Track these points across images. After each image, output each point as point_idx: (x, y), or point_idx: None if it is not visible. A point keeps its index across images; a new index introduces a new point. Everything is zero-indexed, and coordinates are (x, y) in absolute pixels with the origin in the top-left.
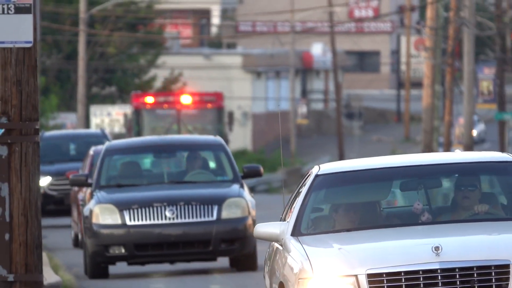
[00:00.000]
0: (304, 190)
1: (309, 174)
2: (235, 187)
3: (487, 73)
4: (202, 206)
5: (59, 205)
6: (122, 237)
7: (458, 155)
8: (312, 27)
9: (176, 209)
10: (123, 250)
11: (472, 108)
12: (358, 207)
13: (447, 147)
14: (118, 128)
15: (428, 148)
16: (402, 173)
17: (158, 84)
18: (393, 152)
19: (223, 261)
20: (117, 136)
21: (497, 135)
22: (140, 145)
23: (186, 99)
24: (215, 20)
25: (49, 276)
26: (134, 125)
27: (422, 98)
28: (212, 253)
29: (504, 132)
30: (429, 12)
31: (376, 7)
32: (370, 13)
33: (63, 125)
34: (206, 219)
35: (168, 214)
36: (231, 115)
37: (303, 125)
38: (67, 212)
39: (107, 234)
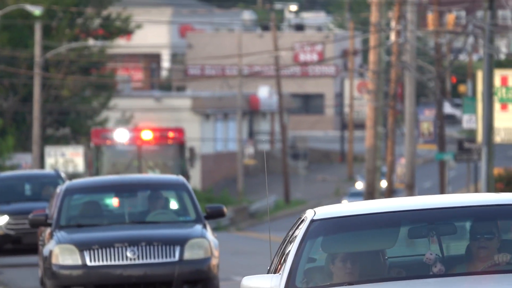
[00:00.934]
0: (298, 238)
1: (303, 219)
2: (198, 227)
3: (428, 114)
4: (164, 247)
5: (16, 244)
6: (82, 278)
7: (474, 197)
8: (259, 70)
9: (138, 249)
10: None
11: (414, 148)
12: (360, 256)
13: (390, 186)
14: (72, 168)
15: (370, 187)
16: (410, 217)
17: (110, 125)
18: (336, 191)
19: None
20: (72, 176)
21: (437, 174)
22: (101, 185)
23: (147, 135)
24: (165, 64)
25: None
26: (94, 161)
27: (365, 139)
28: None
29: (444, 171)
30: (371, 56)
31: (320, 51)
32: (315, 57)
33: (19, 165)
34: (168, 260)
35: (129, 254)
36: (192, 150)
37: (250, 165)
38: (24, 251)
39: (67, 275)
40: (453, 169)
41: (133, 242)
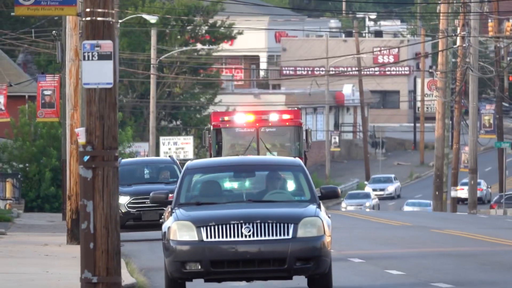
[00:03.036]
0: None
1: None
2: (312, 207)
3: (488, 108)
4: (278, 225)
5: (137, 220)
6: (199, 253)
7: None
8: (343, 71)
9: (253, 227)
10: (199, 267)
11: (476, 137)
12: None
13: (456, 170)
14: (183, 154)
15: (439, 171)
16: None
17: None
18: (410, 175)
19: (299, 281)
20: (182, 161)
21: (496, 160)
22: (220, 165)
23: (265, 117)
24: (263, 65)
25: (126, 278)
26: (213, 143)
27: (434, 130)
28: (287, 271)
29: (502, 157)
30: (440, 58)
31: (396, 54)
32: (391, 59)
33: (137, 153)
34: (282, 237)
35: (244, 231)
36: (308, 132)
37: (336, 152)
38: (144, 227)
39: (183, 250)
40: (510, 155)
41: (248, 220)
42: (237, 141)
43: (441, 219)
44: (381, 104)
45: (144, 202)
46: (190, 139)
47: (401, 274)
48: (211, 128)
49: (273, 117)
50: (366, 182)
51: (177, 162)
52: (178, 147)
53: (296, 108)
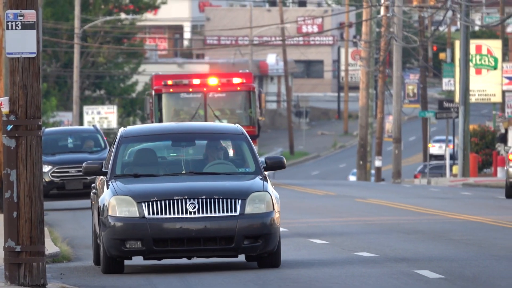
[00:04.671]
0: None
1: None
2: (259, 180)
3: (412, 78)
4: (225, 200)
5: (60, 190)
6: (140, 231)
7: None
8: (267, 40)
9: (198, 203)
10: (140, 245)
11: (400, 107)
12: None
13: (380, 140)
14: (106, 124)
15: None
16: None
17: (139, 88)
18: (334, 144)
19: (242, 256)
20: (106, 131)
21: (420, 130)
22: (157, 132)
23: (213, 81)
24: (187, 34)
25: (49, 247)
26: (155, 110)
27: (358, 99)
28: (235, 250)
29: (426, 127)
30: (364, 28)
31: (320, 24)
32: (315, 29)
33: (61, 122)
34: (229, 214)
35: (189, 208)
36: (261, 97)
37: (260, 122)
38: (67, 196)
39: (123, 227)
40: (434, 125)
41: (193, 195)
42: (182, 107)
43: (365, 188)
44: (305, 74)
45: (67, 172)
46: (113, 109)
47: (325, 243)
48: (153, 93)
49: (223, 81)
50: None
51: (101, 131)
52: (102, 117)
53: (247, 71)
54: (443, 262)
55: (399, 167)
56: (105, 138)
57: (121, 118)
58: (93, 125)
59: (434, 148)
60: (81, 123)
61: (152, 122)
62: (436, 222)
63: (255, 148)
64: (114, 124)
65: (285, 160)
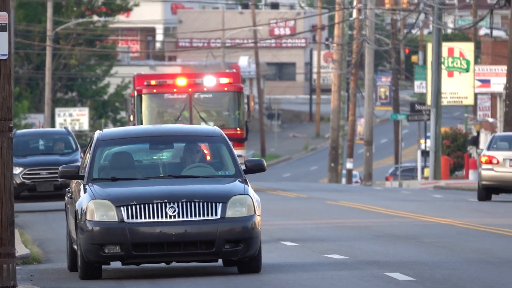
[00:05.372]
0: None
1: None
2: (239, 183)
3: (384, 80)
4: (205, 204)
5: (31, 191)
6: (119, 235)
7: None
8: (239, 43)
9: (178, 206)
10: (119, 250)
11: (372, 109)
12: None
13: (351, 142)
14: (78, 126)
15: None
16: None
17: (111, 90)
18: (305, 147)
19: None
20: (77, 133)
21: (392, 132)
22: (135, 135)
23: (198, 81)
24: (159, 37)
25: (20, 249)
26: (138, 112)
27: (330, 102)
28: (216, 254)
29: (398, 130)
30: (336, 31)
31: (292, 26)
32: (288, 31)
33: (33, 124)
34: (210, 217)
35: (169, 211)
36: (250, 99)
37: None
38: (38, 198)
39: (102, 232)
40: (406, 127)
41: (173, 199)
42: (165, 109)
43: (336, 190)
44: (277, 76)
45: (39, 173)
46: (85, 111)
47: (296, 246)
48: (135, 93)
49: (209, 81)
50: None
51: (72, 133)
52: (74, 119)
53: (234, 71)
54: (414, 265)
55: (371, 169)
56: (76, 140)
57: (92, 120)
58: (64, 127)
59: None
60: (53, 125)
61: (134, 125)
62: (407, 225)
63: (243, 151)
64: (85, 126)
65: (265, 162)
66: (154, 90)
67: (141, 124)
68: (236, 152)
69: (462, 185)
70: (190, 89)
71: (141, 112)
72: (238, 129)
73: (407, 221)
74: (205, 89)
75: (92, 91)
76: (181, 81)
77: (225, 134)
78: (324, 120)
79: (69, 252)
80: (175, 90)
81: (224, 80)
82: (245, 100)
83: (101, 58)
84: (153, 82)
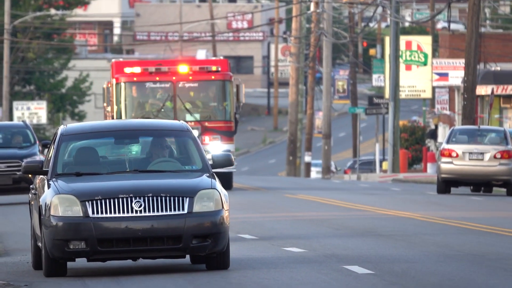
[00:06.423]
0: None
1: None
2: (206, 178)
3: (342, 74)
4: (172, 198)
5: None
6: (84, 231)
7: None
8: (197, 36)
9: (144, 201)
10: (84, 246)
11: (330, 103)
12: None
13: (309, 135)
14: (36, 119)
15: (293, 137)
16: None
17: (69, 83)
18: (264, 140)
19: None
20: (35, 126)
21: (350, 125)
22: (99, 130)
23: (183, 68)
24: (117, 30)
25: None
26: (117, 103)
27: (288, 95)
28: (183, 250)
29: (356, 123)
30: (294, 24)
31: (250, 19)
32: (245, 24)
33: None
34: (177, 212)
35: (135, 206)
36: (239, 88)
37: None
38: None
39: (66, 227)
40: (364, 121)
41: (138, 193)
42: (147, 99)
43: (294, 184)
44: (235, 70)
45: None
46: (43, 104)
47: (254, 239)
48: (113, 82)
49: (195, 69)
50: None
51: (30, 126)
52: (32, 112)
53: (222, 57)
54: (372, 258)
55: (329, 162)
56: (34, 133)
57: (51, 113)
58: (22, 121)
59: None
60: (11, 119)
61: (112, 117)
62: (365, 218)
63: (232, 146)
64: (43, 120)
65: (233, 157)
66: (135, 78)
67: (120, 116)
68: (224, 146)
69: (420, 178)
70: (174, 78)
71: (120, 102)
72: (227, 121)
73: (365, 214)
74: (190, 78)
75: (50, 84)
76: (164, 69)
77: (213, 126)
78: (282, 114)
79: (34, 250)
80: (157, 78)
81: (212, 68)
82: (234, 90)
83: (59, 51)
84: (133, 70)
